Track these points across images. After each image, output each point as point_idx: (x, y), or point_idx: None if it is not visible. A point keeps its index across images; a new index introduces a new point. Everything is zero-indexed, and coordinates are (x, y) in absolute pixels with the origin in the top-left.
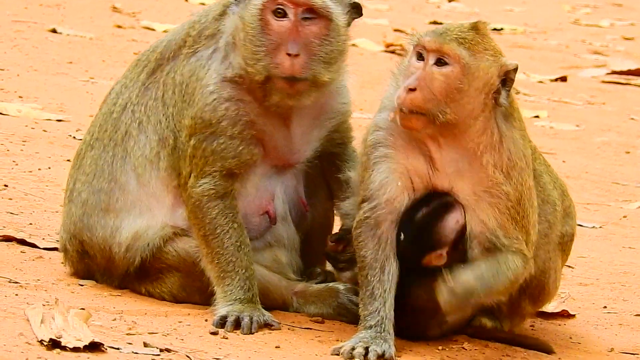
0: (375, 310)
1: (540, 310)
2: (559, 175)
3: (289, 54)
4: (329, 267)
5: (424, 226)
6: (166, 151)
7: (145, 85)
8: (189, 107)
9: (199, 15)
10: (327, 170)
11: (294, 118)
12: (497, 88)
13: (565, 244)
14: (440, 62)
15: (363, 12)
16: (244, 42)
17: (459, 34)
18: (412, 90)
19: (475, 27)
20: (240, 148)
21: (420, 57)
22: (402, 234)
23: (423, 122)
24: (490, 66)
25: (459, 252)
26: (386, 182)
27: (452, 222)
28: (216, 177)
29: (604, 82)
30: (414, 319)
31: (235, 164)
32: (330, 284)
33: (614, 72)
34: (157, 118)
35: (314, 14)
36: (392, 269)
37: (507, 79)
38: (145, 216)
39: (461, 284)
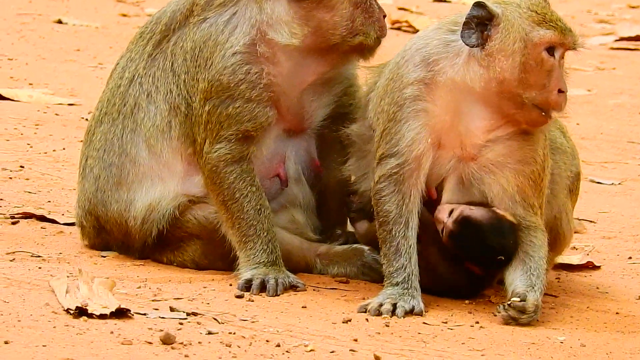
0: (402, 267)
1: (564, 262)
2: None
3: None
4: (349, 227)
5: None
6: (178, 119)
7: (152, 56)
8: (204, 71)
9: None
10: (341, 130)
11: (307, 83)
12: None
13: (573, 184)
14: (563, 56)
15: None
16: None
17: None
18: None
19: None
20: (257, 111)
21: (550, 51)
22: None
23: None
24: None
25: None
26: (417, 138)
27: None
28: (232, 141)
29: (612, 48)
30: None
31: (251, 127)
32: (354, 245)
33: (622, 39)
34: (166, 88)
35: None
36: (415, 224)
37: None
38: (158, 187)
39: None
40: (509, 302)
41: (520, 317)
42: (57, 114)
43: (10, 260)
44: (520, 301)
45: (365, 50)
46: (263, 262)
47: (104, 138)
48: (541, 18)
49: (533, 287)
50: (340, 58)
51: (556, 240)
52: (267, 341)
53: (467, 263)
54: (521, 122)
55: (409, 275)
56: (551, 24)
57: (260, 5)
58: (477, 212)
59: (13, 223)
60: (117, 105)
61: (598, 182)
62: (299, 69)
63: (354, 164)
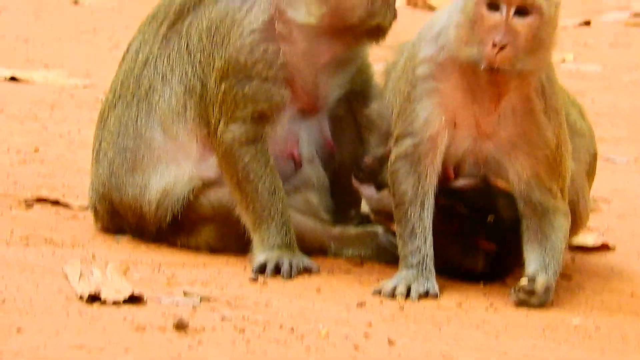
0: (417, 249)
1: (579, 245)
2: (571, 94)
3: None
4: (363, 209)
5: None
6: (193, 100)
7: (166, 37)
8: (220, 49)
9: None
10: (355, 109)
11: (322, 64)
12: None
13: (590, 164)
14: (521, 12)
15: None
16: None
17: None
18: (500, 47)
19: None
20: (273, 91)
21: (493, 7)
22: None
23: (505, 77)
24: (557, 9)
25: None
26: (431, 118)
27: None
28: (247, 121)
29: (627, 24)
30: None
31: (266, 107)
32: (369, 227)
33: (637, 14)
34: (182, 69)
35: None
36: (430, 205)
37: None
38: (172, 170)
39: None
40: (518, 286)
41: (529, 299)
42: (72, 96)
43: (25, 245)
44: (529, 282)
45: (380, 32)
46: (277, 244)
47: (118, 122)
48: None
49: (545, 269)
50: (354, 39)
51: (573, 222)
52: (280, 326)
53: (475, 239)
54: (493, 88)
55: (424, 257)
56: None
57: None
58: (462, 180)
59: (27, 207)
60: (131, 88)
61: (612, 160)
62: (314, 49)
63: (375, 143)
